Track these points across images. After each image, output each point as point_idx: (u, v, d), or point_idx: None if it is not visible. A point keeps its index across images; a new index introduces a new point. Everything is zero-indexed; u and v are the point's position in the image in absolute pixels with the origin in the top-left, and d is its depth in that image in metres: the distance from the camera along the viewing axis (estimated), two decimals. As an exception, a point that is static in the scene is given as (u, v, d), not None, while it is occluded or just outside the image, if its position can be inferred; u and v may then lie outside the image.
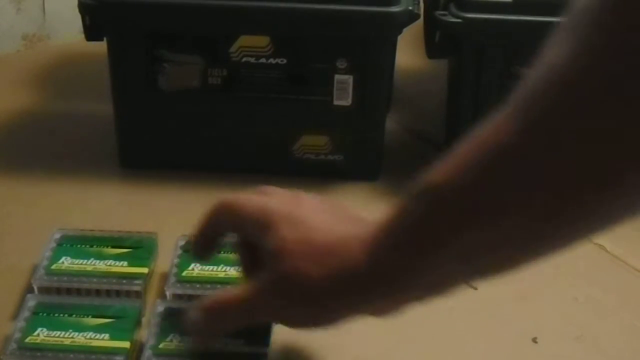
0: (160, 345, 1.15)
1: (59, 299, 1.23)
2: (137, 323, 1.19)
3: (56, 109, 1.72)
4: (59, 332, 1.17)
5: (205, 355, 1.14)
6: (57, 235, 1.32)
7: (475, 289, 1.31)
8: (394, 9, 1.40)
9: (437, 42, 1.43)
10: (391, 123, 1.61)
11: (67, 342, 1.16)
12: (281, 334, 1.21)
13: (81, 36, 1.47)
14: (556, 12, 1.37)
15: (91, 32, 1.45)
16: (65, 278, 1.25)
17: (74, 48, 1.88)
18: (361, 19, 1.41)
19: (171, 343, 1.15)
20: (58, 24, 1.94)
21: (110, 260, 1.27)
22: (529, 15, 1.39)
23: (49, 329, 1.17)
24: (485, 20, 1.40)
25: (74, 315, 1.19)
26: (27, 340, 1.16)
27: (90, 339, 1.16)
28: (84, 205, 1.46)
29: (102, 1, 1.41)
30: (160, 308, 1.20)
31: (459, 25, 1.39)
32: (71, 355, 1.14)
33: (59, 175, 1.52)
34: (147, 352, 1.14)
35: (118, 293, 1.24)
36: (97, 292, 1.24)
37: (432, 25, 1.44)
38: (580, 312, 1.28)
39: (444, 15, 1.40)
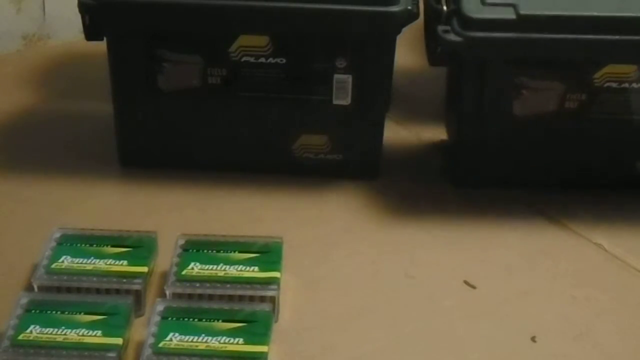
0: (160, 344, 1.15)
1: (52, 296, 1.23)
2: (130, 320, 1.19)
3: (56, 108, 1.72)
4: (51, 329, 1.17)
5: None
6: (57, 234, 1.32)
7: (474, 288, 1.32)
8: (393, 8, 1.40)
9: (438, 53, 1.42)
10: (390, 122, 1.61)
11: (60, 339, 1.16)
12: (281, 334, 1.21)
13: (81, 36, 1.47)
14: (561, 28, 1.38)
15: (91, 32, 1.45)
16: (65, 277, 1.25)
17: (73, 48, 1.88)
18: (360, 19, 1.41)
19: (170, 342, 1.16)
20: (58, 24, 1.94)
21: (110, 259, 1.27)
22: (533, 32, 1.37)
23: (41, 326, 1.17)
24: (487, 38, 1.37)
25: (66, 313, 1.19)
26: (20, 337, 1.16)
27: (83, 335, 1.16)
28: (84, 204, 1.46)
29: (102, 1, 1.41)
30: (160, 307, 1.20)
31: (461, 44, 1.37)
32: (64, 352, 1.14)
33: (59, 174, 1.52)
34: (147, 351, 1.14)
35: (118, 292, 1.24)
36: (97, 291, 1.24)
37: (433, 39, 1.43)
38: (579, 311, 1.28)
39: (446, 32, 1.37)
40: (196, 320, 1.18)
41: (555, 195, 1.49)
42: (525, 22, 1.37)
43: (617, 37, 1.38)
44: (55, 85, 1.80)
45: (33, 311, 1.19)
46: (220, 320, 1.18)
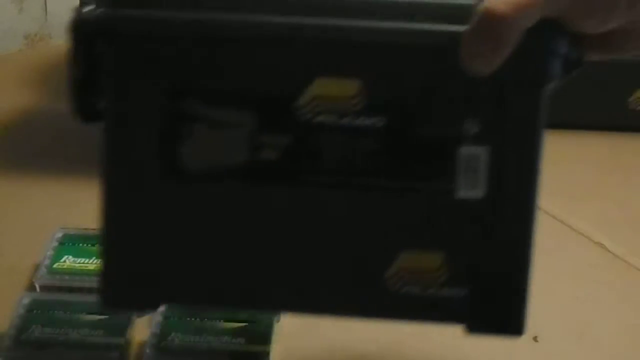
0: (162, 344, 1.15)
1: (54, 296, 1.23)
2: (132, 319, 1.19)
3: (58, 108, 1.72)
4: (53, 329, 1.17)
5: None
6: (59, 234, 1.32)
7: (476, 287, 1.32)
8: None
9: None
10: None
11: (62, 338, 1.16)
12: (283, 333, 1.21)
13: (83, 35, 1.47)
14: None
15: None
16: (67, 277, 1.25)
17: (75, 47, 1.88)
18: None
19: (172, 342, 1.16)
20: (60, 23, 1.95)
21: (112, 259, 1.27)
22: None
23: (44, 325, 1.17)
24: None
25: (68, 312, 1.19)
26: (22, 337, 1.16)
27: (85, 335, 1.16)
28: (86, 204, 1.46)
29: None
30: (162, 306, 1.20)
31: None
32: (66, 352, 1.15)
33: (61, 173, 1.52)
34: (149, 351, 1.15)
35: (120, 292, 1.24)
36: (99, 291, 1.24)
37: None
38: (580, 310, 1.28)
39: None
40: (198, 319, 1.18)
41: (557, 193, 1.49)
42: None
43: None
44: (57, 84, 1.80)
45: (35, 311, 1.19)
46: (222, 320, 1.18)
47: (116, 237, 0.89)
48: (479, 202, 0.83)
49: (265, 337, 1.16)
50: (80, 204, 1.47)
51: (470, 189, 0.83)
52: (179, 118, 0.83)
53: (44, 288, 1.25)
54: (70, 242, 1.31)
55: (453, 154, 0.82)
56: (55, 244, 1.30)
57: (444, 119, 0.82)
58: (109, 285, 0.90)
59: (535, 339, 1.23)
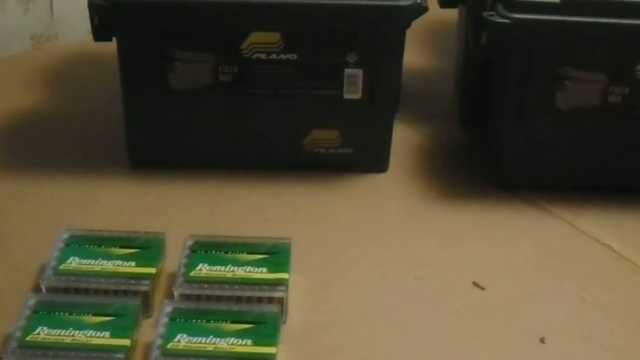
0: (168, 346, 1.15)
1: (59, 297, 1.23)
2: (138, 321, 1.19)
3: (64, 108, 1.72)
4: (59, 330, 1.17)
5: None
6: (65, 235, 1.32)
7: (483, 289, 1.32)
8: (403, 2, 1.40)
9: (484, 43, 1.41)
10: (399, 123, 1.60)
11: (68, 340, 1.16)
12: (290, 335, 1.21)
13: (89, 36, 1.47)
14: (604, 12, 1.36)
15: (100, 33, 1.45)
16: (73, 278, 1.25)
17: (81, 48, 1.89)
18: (370, 13, 1.41)
19: (178, 343, 1.16)
20: (66, 24, 1.95)
21: (118, 261, 1.27)
22: (577, 15, 1.37)
23: (49, 327, 1.17)
24: (534, 20, 1.38)
25: (74, 314, 1.19)
26: (27, 338, 1.16)
27: (91, 337, 1.16)
28: (93, 204, 1.46)
29: (113, 1, 1.41)
30: (168, 308, 1.20)
31: (507, 25, 1.38)
32: (72, 353, 1.15)
33: (67, 174, 1.52)
34: (155, 352, 1.14)
35: (126, 293, 1.24)
36: (105, 292, 1.24)
37: (479, 26, 1.43)
38: (587, 312, 1.28)
39: (492, 16, 1.38)
40: (204, 321, 1.18)
41: (565, 195, 1.49)
42: (570, 7, 1.37)
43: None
44: (63, 85, 1.80)
45: (41, 312, 1.19)
46: (228, 322, 1.18)
47: (136, 125, 1.53)
48: (357, 101, 1.48)
49: (271, 339, 1.16)
50: (87, 205, 1.47)
51: (352, 93, 1.48)
52: (165, 59, 1.46)
53: (50, 289, 1.24)
54: (76, 243, 1.30)
55: (341, 73, 1.47)
56: (61, 245, 1.30)
57: (334, 54, 1.46)
58: (134, 146, 1.54)
59: (542, 340, 1.23)
